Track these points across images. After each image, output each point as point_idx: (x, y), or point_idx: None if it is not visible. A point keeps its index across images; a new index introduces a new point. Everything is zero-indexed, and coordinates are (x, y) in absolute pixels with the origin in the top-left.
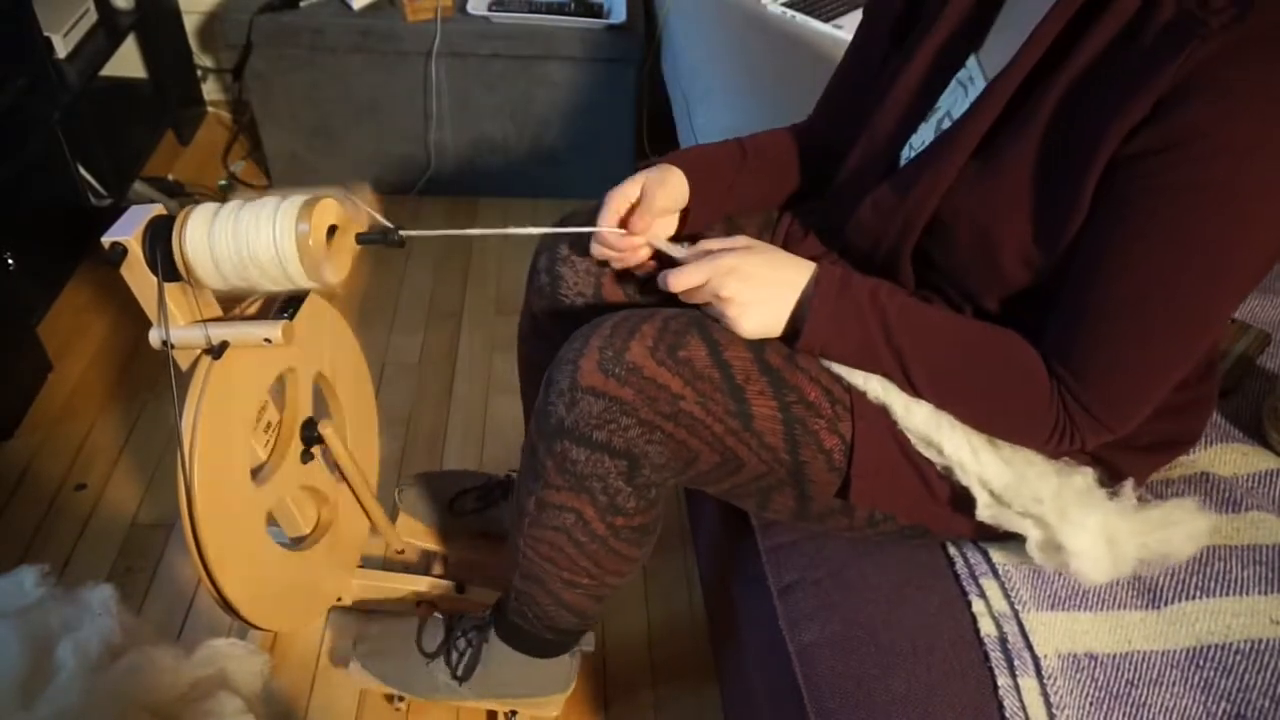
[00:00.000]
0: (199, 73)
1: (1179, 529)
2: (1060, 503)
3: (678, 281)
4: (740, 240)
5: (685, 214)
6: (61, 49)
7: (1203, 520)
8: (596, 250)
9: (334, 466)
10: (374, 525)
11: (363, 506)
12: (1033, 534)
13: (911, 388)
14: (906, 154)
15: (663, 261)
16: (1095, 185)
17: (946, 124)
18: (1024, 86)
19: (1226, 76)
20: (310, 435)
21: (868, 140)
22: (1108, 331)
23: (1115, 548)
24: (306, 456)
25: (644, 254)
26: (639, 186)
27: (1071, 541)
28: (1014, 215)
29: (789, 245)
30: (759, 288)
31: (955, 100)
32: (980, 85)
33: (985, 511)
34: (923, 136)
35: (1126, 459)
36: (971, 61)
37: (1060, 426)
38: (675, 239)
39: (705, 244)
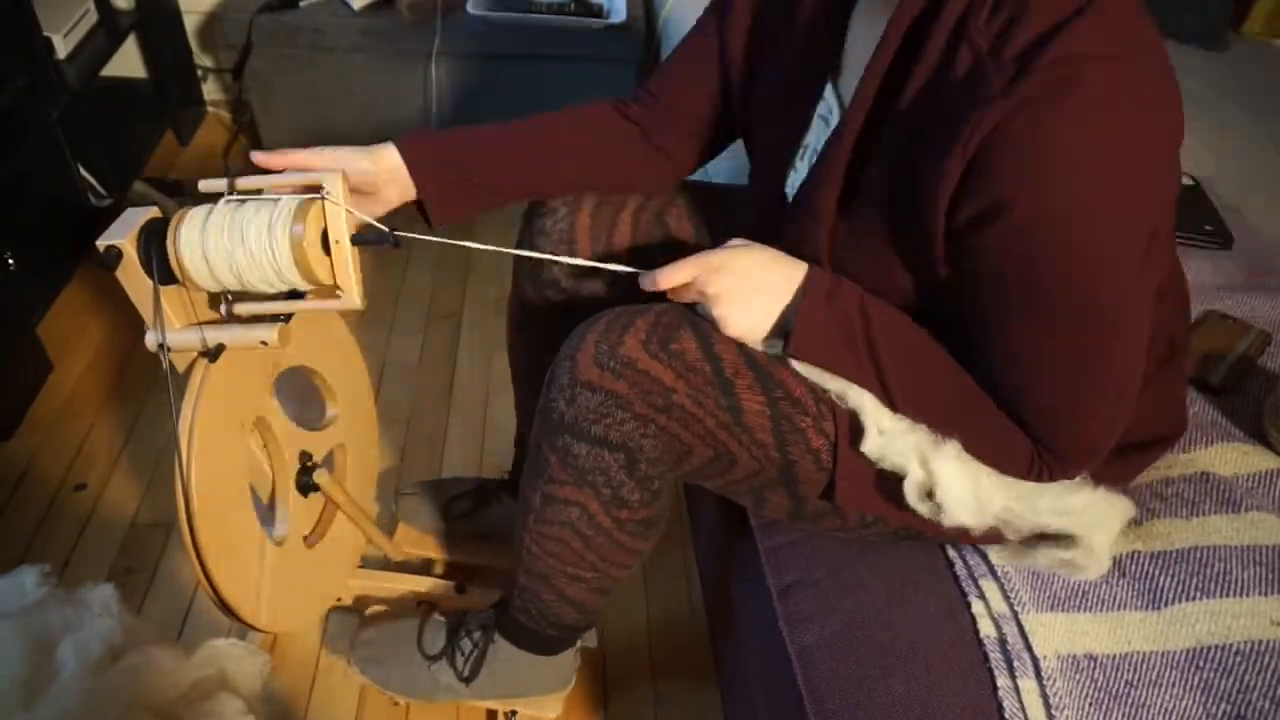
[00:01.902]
0: (199, 73)
1: (1045, 500)
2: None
3: (667, 279)
4: (735, 241)
5: (429, 202)
6: (61, 49)
7: (1078, 497)
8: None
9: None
10: (374, 544)
11: (364, 532)
12: (913, 471)
13: (891, 405)
14: (790, 184)
15: (616, 278)
16: (943, 245)
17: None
18: (872, 121)
19: (1014, 148)
20: (306, 483)
21: (757, 184)
22: (1028, 388)
23: (980, 501)
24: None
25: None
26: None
27: (943, 474)
28: (893, 258)
29: None
30: (747, 285)
31: (820, 136)
32: (837, 117)
33: (872, 443)
34: (800, 174)
35: (1113, 460)
36: (828, 93)
37: (1036, 466)
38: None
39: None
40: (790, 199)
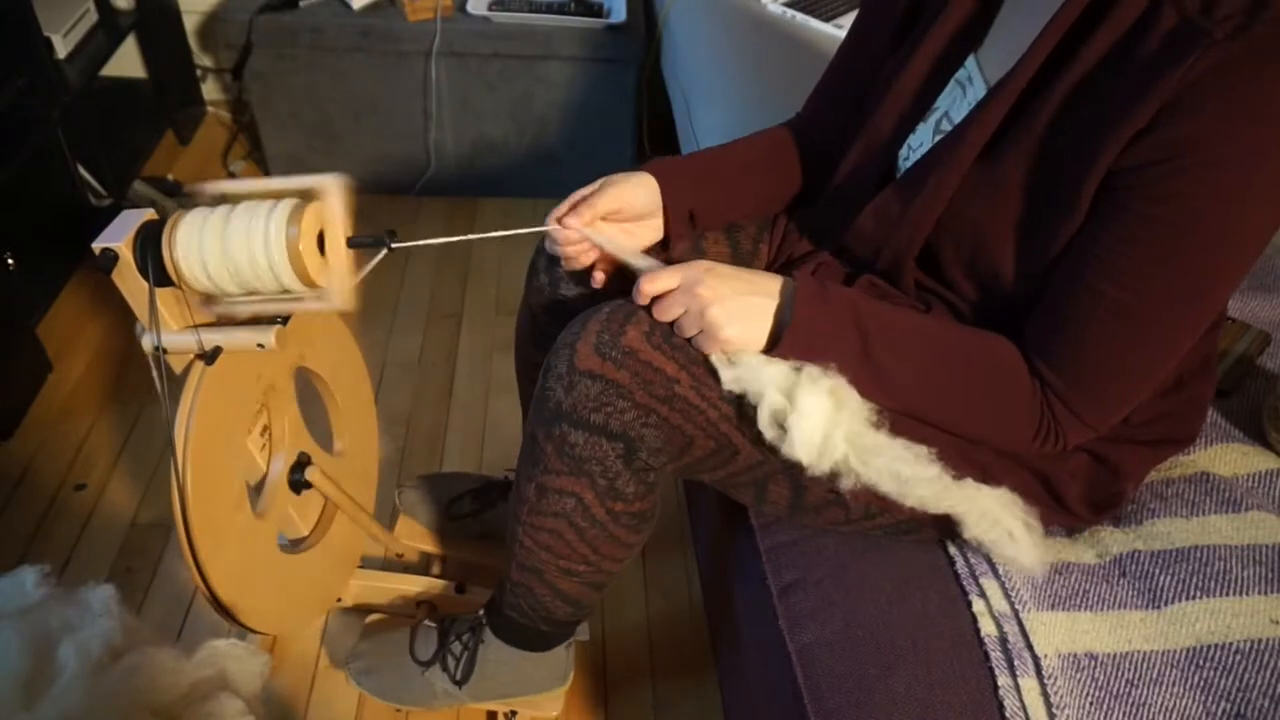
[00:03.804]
0: (199, 73)
1: (883, 456)
2: (804, 383)
3: (651, 284)
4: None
5: (669, 225)
6: (61, 49)
7: (910, 468)
8: (548, 245)
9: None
10: (373, 538)
11: (361, 526)
12: (769, 397)
13: (889, 399)
14: (904, 154)
15: (626, 277)
16: (1094, 192)
17: (946, 125)
18: (1025, 91)
19: (1228, 87)
20: (297, 480)
21: (866, 141)
22: (1093, 332)
23: (827, 445)
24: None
25: (589, 253)
26: (598, 185)
27: (805, 406)
28: (1014, 222)
29: (785, 248)
30: (741, 285)
31: (953, 101)
32: (979, 85)
33: (727, 374)
34: (921, 138)
35: (1126, 453)
36: (970, 62)
37: (1044, 427)
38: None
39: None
40: (904, 161)
